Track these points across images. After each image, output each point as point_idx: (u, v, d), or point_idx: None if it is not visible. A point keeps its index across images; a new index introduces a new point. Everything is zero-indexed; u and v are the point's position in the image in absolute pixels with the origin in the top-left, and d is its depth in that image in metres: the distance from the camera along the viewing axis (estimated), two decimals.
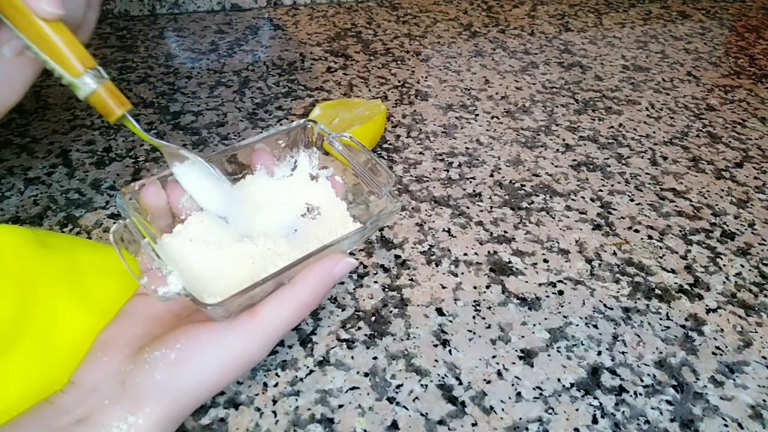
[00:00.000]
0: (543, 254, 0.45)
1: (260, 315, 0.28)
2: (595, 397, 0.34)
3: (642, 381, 0.35)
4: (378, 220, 0.33)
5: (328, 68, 0.72)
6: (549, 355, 0.37)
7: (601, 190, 0.53)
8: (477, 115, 0.64)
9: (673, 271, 0.44)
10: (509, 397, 0.34)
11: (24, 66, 0.34)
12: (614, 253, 0.45)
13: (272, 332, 0.28)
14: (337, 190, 0.37)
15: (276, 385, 0.34)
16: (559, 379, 0.35)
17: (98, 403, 0.26)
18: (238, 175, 0.36)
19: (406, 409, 0.33)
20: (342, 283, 0.41)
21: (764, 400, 0.35)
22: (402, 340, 0.37)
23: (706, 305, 0.41)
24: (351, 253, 0.34)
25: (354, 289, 0.40)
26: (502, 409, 0.33)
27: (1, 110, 0.34)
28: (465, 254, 0.44)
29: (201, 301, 0.26)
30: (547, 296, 0.41)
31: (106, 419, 0.25)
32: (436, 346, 0.37)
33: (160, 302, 0.31)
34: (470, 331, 0.38)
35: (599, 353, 0.37)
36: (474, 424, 0.32)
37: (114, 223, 0.45)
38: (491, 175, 0.54)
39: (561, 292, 0.41)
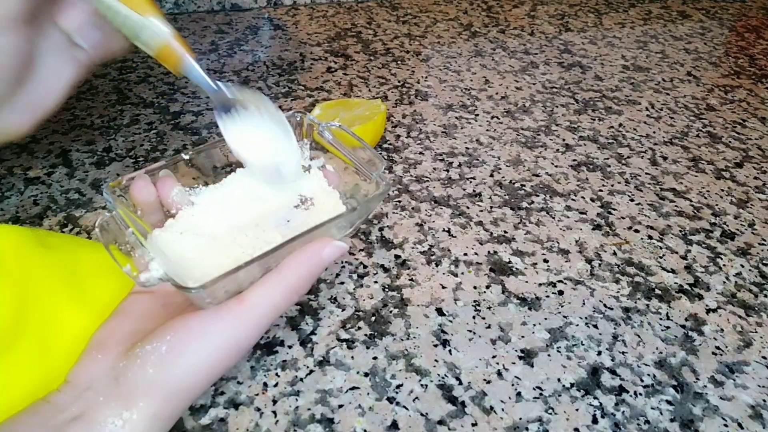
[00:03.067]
0: (543, 254, 0.45)
1: (247, 300, 0.28)
2: (595, 397, 0.34)
3: (642, 381, 0.35)
4: (368, 202, 0.33)
5: (328, 68, 0.72)
6: (549, 355, 0.37)
7: (601, 190, 0.53)
8: (477, 115, 0.64)
9: (673, 271, 0.44)
10: (509, 397, 0.34)
11: (63, 66, 0.33)
12: (614, 253, 0.45)
13: (261, 317, 0.28)
14: (329, 180, 0.36)
15: (276, 385, 0.34)
16: (559, 379, 0.35)
17: (93, 401, 0.26)
18: (229, 168, 0.36)
19: (406, 409, 0.33)
20: (342, 283, 0.41)
21: (764, 400, 0.35)
22: (402, 340, 0.37)
23: (706, 305, 0.41)
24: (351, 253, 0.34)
25: (354, 289, 0.40)
26: (502, 409, 0.33)
27: (39, 113, 0.33)
28: (465, 254, 0.44)
29: (183, 285, 0.26)
30: (547, 296, 0.41)
31: (101, 416, 0.25)
32: (436, 346, 0.37)
33: (156, 299, 0.31)
34: (470, 331, 0.38)
35: (599, 353, 0.37)
36: (474, 424, 0.32)
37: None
38: (491, 175, 0.54)
39: (561, 292, 0.41)
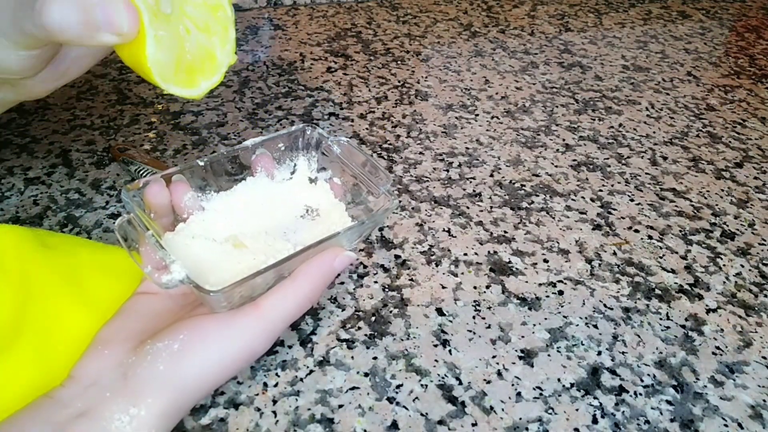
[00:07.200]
0: (543, 254, 0.45)
1: (263, 307, 0.28)
2: (595, 397, 0.34)
3: (642, 381, 0.35)
4: (376, 217, 0.33)
5: (328, 68, 0.72)
6: (549, 355, 0.37)
7: (601, 190, 0.53)
8: (477, 115, 0.64)
9: (673, 271, 0.44)
10: (509, 397, 0.34)
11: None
12: (614, 253, 0.45)
13: (275, 324, 0.29)
14: (335, 192, 0.37)
15: (276, 385, 0.34)
16: (559, 379, 0.35)
17: (99, 396, 0.26)
18: (239, 175, 0.36)
19: (406, 409, 0.33)
20: (342, 283, 0.41)
21: (764, 400, 0.35)
22: (402, 340, 0.37)
23: (706, 305, 0.41)
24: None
25: (354, 289, 0.40)
26: (502, 409, 0.33)
27: (62, 82, 0.34)
28: (465, 254, 0.44)
29: (203, 288, 0.27)
30: (547, 296, 0.41)
31: (107, 412, 0.25)
32: (436, 346, 0.37)
33: (160, 300, 0.31)
34: (470, 331, 0.38)
35: (599, 353, 0.37)
36: (474, 424, 0.32)
37: (114, 222, 0.45)
38: (491, 175, 0.54)
39: (561, 292, 0.41)
